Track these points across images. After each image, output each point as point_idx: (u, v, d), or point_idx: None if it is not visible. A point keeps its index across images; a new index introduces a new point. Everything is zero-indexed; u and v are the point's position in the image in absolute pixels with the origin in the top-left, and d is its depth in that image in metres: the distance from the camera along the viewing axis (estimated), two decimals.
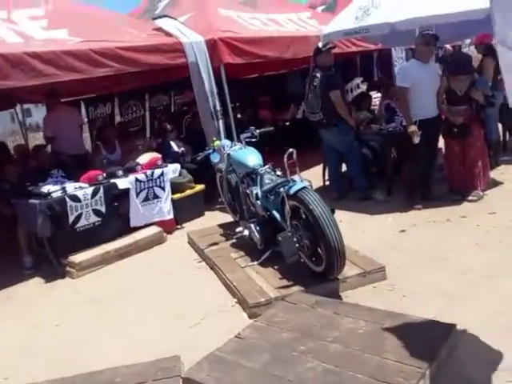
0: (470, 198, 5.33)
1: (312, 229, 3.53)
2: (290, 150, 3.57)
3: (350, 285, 3.72)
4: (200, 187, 6.38)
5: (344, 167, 6.35)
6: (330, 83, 5.69)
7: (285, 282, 3.72)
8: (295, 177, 3.63)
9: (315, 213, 3.38)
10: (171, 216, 5.87)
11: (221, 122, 6.19)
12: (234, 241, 4.82)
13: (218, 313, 3.67)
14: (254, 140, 4.75)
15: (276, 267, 4.03)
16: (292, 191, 3.55)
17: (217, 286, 4.13)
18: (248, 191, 4.34)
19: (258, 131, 4.70)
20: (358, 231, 4.91)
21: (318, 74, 5.71)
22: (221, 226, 5.44)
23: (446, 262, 4.00)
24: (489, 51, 6.07)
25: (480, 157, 5.32)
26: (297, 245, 3.64)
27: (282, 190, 3.77)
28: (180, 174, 6.02)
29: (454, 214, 5.06)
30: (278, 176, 4.23)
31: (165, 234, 5.61)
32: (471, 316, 3.13)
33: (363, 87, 9.96)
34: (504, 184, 5.78)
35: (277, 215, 3.92)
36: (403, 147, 5.69)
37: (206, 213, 6.46)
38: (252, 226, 4.20)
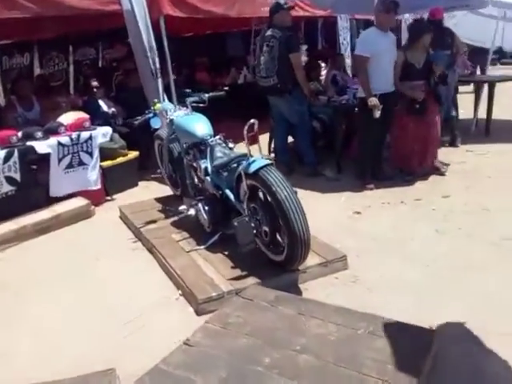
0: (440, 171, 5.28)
1: (273, 214, 3.07)
2: (252, 120, 3.04)
3: (310, 275, 3.32)
4: (134, 154, 5.68)
5: (290, 139, 5.93)
6: (290, 44, 5.15)
7: (238, 272, 3.25)
8: (255, 152, 3.12)
9: (279, 196, 2.90)
10: (99, 186, 5.16)
11: (160, 81, 5.47)
12: (176, 219, 4.25)
13: (159, 308, 3.12)
14: (201, 105, 4.14)
15: (226, 253, 3.54)
16: (252, 169, 3.04)
17: (156, 274, 3.57)
18: (195, 164, 3.77)
19: (207, 95, 4.10)
20: (311, 212, 4.47)
21: (276, 34, 5.14)
22: (158, 200, 4.84)
23: (407, 250, 3.72)
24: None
25: (438, 135, 5.10)
26: (254, 231, 3.16)
27: (238, 166, 3.26)
28: (111, 139, 5.28)
29: (408, 196, 4.82)
30: (231, 149, 3.70)
31: (92, 207, 4.90)
32: (443, 315, 2.83)
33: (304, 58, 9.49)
34: (451, 165, 5.62)
35: (230, 195, 3.40)
36: (356, 122, 5.34)
37: (140, 183, 5.82)
38: (199, 204, 3.66)
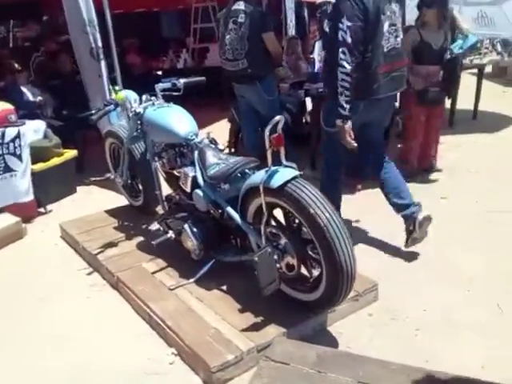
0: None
1: (305, 242, 2.29)
2: (277, 117, 2.21)
3: (338, 314, 2.59)
4: (71, 154, 4.61)
5: None
6: (263, 21, 4.31)
7: (249, 318, 2.44)
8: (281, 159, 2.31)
9: (319, 220, 2.12)
10: (31, 197, 4.06)
11: (103, 64, 4.43)
12: (142, 240, 3.33)
13: (148, 381, 2.23)
14: (174, 94, 3.22)
15: (224, 288, 2.72)
16: (276, 183, 2.23)
17: (132, 323, 2.66)
18: (176, 172, 2.88)
19: (182, 81, 3.18)
20: None
21: (247, 9, 4.28)
22: (110, 212, 3.88)
23: (440, 270, 3.07)
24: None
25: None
26: (277, 265, 2.35)
27: (243, 177, 2.45)
28: (45, 136, 4.18)
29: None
30: (221, 151, 2.86)
31: (23, 225, 3.81)
32: None
33: None
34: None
35: (235, 215, 2.55)
36: None
37: (79, 189, 4.76)
38: (186, 225, 2.77)
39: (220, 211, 2.62)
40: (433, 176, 4.71)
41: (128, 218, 3.72)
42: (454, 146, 5.51)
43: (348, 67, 2.78)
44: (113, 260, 3.12)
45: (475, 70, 7.08)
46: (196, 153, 2.79)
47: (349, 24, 2.76)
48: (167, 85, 3.18)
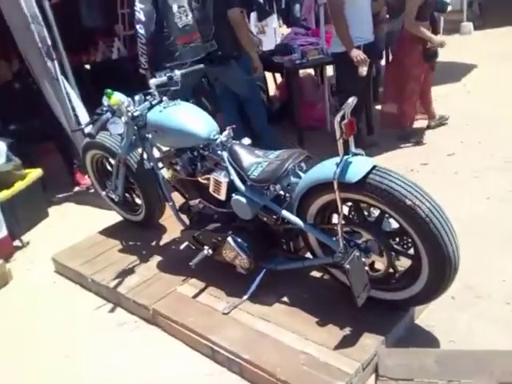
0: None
1: (390, 237, 2.01)
2: (350, 100, 1.88)
3: (421, 306, 2.33)
4: (35, 173, 3.99)
5: None
6: None
7: (335, 332, 2.13)
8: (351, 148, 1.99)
9: (420, 211, 1.84)
10: (4, 232, 3.46)
11: (56, 65, 3.83)
12: (160, 260, 2.92)
13: None
14: (172, 89, 2.77)
15: (285, 300, 2.39)
16: (355, 176, 1.91)
17: (193, 362, 2.27)
18: (202, 180, 2.47)
19: (179, 72, 2.73)
20: None
21: None
22: (106, 233, 3.39)
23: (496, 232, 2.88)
24: None
25: None
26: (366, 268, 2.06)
27: (293, 173, 2.11)
28: (9, 159, 3.56)
29: (413, 162, 4.04)
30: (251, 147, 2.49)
31: (7, 268, 3.24)
32: None
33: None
34: None
35: (295, 220, 2.21)
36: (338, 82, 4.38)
37: (50, 210, 4.17)
38: (230, 238, 2.39)
39: (274, 217, 2.26)
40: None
41: (131, 236, 3.26)
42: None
43: (143, 40, 3.68)
44: (138, 290, 2.68)
45: None
46: (226, 154, 2.40)
47: (142, 6, 3.64)
48: (162, 79, 2.72)
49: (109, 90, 2.56)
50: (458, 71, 6.51)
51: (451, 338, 2.16)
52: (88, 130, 2.51)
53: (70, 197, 4.44)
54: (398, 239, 2.06)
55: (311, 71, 5.84)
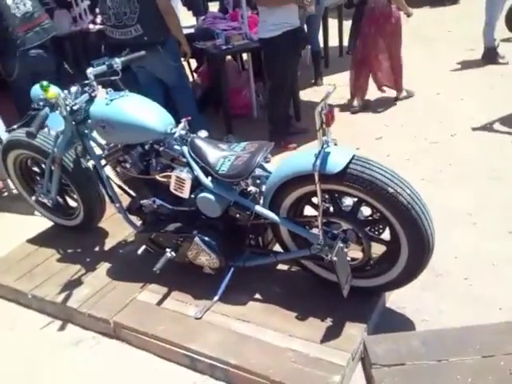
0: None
1: (365, 224, 2.03)
2: (329, 89, 1.83)
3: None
4: None
5: None
6: None
7: (317, 324, 2.11)
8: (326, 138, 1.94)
9: (402, 199, 1.86)
10: None
11: None
12: (109, 267, 2.70)
13: None
14: (112, 78, 2.54)
15: (258, 297, 2.33)
16: (337, 167, 1.87)
17: (171, 376, 2.12)
18: (160, 177, 2.29)
19: (119, 60, 2.50)
20: None
21: None
22: (37, 241, 3.08)
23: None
24: None
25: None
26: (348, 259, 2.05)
27: (293, 166, 2.02)
28: None
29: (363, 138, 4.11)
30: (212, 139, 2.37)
31: None
32: None
33: None
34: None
35: (269, 215, 2.13)
36: (266, 68, 4.31)
37: None
38: (197, 238, 2.26)
39: (248, 212, 2.16)
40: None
41: (68, 243, 2.97)
42: None
43: None
44: (91, 302, 2.45)
45: None
46: (186, 148, 2.25)
47: None
48: (101, 68, 2.48)
49: (44, 83, 2.27)
50: None
51: (423, 318, 2.24)
52: (25, 129, 2.20)
53: None
54: (372, 227, 2.08)
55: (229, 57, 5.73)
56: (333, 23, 6.72)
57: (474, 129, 4.12)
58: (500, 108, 4.37)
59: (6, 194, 3.95)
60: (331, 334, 2.04)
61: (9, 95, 4.13)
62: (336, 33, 6.79)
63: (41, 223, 3.25)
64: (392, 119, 4.56)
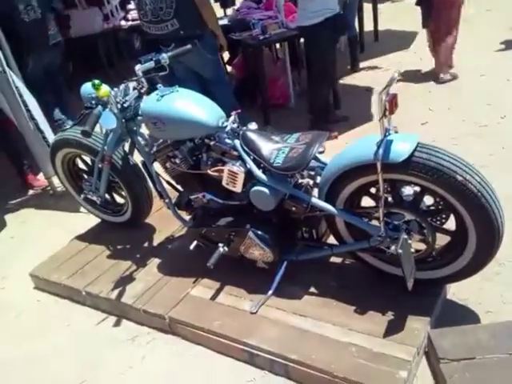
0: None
1: (430, 214, 1.96)
2: (394, 75, 1.75)
3: None
4: None
5: None
6: None
7: (378, 318, 2.06)
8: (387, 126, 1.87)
9: (472, 186, 1.77)
10: None
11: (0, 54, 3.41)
12: (160, 262, 2.70)
13: None
14: (161, 74, 2.53)
15: (313, 291, 2.28)
16: (400, 156, 1.80)
17: (231, 370, 2.11)
18: (212, 172, 2.26)
19: (167, 55, 2.49)
20: None
21: None
22: (86, 238, 3.12)
23: None
24: None
25: None
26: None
27: (352, 155, 1.95)
28: None
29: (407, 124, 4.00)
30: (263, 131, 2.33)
31: None
32: None
33: None
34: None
35: (327, 207, 2.08)
36: (308, 57, 4.21)
37: (8, 218, 3.78)
38: (251, 233, 2.23)
39: (304, 205, 2.11)
40: None
41: (116, 239, 2.99)
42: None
43: None
44: (146, 298, 2.45)
45: None
46: (238, 142, 2.21)
47: None
48: (150, 64, 2.47)
49: (96, 81, 2.26)
50: (403, 39, 6.59)
51: (487, 309, 2.16)
52: (82, 127, 2.19)
53: (26, 201, 4.04)
54: (435, 217, 2.00)
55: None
56: (367, 7, 6.57)
57: None
58: None
59: (51, 192, 4.01)
60: (393, 328, 1.98)
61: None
62: (371, 17, 6.62)
63: (87, 220, 3.29)
64: (437, 103, 4.42)
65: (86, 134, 2.15)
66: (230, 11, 5.92)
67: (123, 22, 7.23)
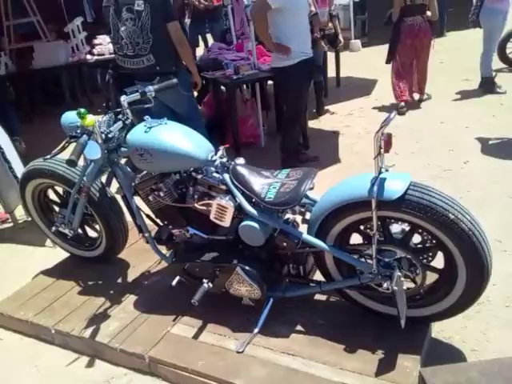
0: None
1: (419, 252, 1.99)
2: (392, 115, 1.80)
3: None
4: None
5: None
6: (167, 8, 3.68)
7: (367, 357, 2.03)
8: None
9: (463, 225, 1.82)
10: None
11: None
12: (135, 299, 2.59)
13: None
14: (146, 106, 2.51)
15: (299, 329, 2.24)
16: (394, 194, 1.84)
17: None
18: (199, 206, 2.22)
19: (153, 88, 2.48)
20: None
21: None
22: (54, 273, 2.95)
23: None
24: None
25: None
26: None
27: (347, 192, 1.96)
28: None
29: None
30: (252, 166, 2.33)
31: None
32: None
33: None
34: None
35: (318, 243, 2.07)
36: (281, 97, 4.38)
37: None
38: (238, 268, 2.18)
39: (296, 241, 2.10)
40: None
41: (87, 275, 2.86)
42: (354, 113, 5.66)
43: None
44: (122, 337, 2.33)
45: None
46: (227, 176, 2.19)
47: None
48: (135, 96, 2.45)
49: (82, 110, 2.20)
50: (364, 86, 6.88)
51: (472, 347, 2.18)
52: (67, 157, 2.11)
53: None
54: (424, 254, 2.03)
55: None
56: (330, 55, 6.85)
57: (485, 155, 4.16)
58: (506, 135, 4.44)
59: (11, 224, 3.81)
60: (385, 367, 1.97)
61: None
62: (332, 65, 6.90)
63: (53, 255, 3.13)
64: (401, 147, 4.57)
65: (72, 163, 2.07)
66: (200, 51, 6.01)
67: (89, 56, 7.18)
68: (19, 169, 3.46)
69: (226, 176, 2.20)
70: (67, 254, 3.06)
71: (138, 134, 2.26)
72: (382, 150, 1.82)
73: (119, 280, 2.79)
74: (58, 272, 2.94)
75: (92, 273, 2.86)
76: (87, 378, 2.26)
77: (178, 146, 2.18)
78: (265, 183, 2.13)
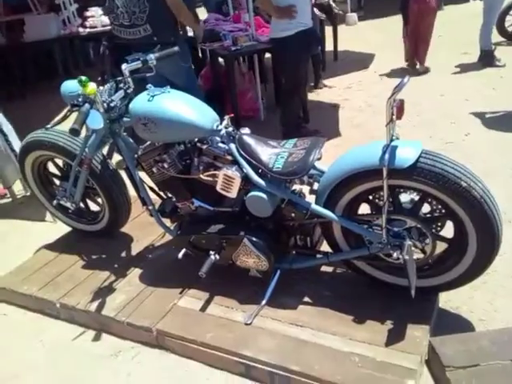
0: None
1: (430, 221, 1.97)
2: (405, 80, 1.76)
3: None
4: None
5: None
6: None
7: (377, 327, 2.03)
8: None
9: (475, 193, 1.81)
10: None
11: None
12: (141, 273, 2.56)
13: None
14: (148, 75, 2.44)
15: (307, 300, 2.23)
16: (406, 162, 1.81)
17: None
18: (204, 176, 2.18)
19: (154, 56, 2.41)
20: None
21: None
22: (57, 247, 2.92)
23: None
24: None
25: None
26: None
27: (358, 161, 1.92)
28: None
29: None
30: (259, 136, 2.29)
31: None
32: None
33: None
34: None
35: (327, 213, 2.04)
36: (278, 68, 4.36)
37: None
38: (246, 240, 2.16)
39: (304, 211, 2.07)
40: None
41: (91, 249, 2.83)
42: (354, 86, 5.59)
43: None
44: (129, 310, 2.31)
45: None
46: (234, 146, 2.15)
47: None
48: (136, 64, 2.38)
49: (83, 78, 2.14)
50: (361, 60, 6.79)
51: (480, 317, 2.19)
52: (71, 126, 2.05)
53: None
54: (434, 224, 2.01)
55: None
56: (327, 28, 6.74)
57: (486, 127, 4.14)
58: (506, 108, 4.41)
59: (10, 199, 3.76)
60: (394, 337, 1.96)
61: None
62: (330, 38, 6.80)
63: (54, 229, 3.10)
64: (402, 120, 4.51)
65: (75, 132, 2.01)
66: None
67: (81, 29, 7.01)
68: (16, 143, 3.39)
69: (232, 146, 2.15)
70: (68, 229, 3.03)
71: (142, 103, 2.20)
72: (394, 117, 1.78)
73: (123, 254, 2.76)
74: (60, 246, 2.90)
75: (95, 247, 2.83)
76: (94, 352, 2.24)
77: (183, 114, 2.13)
78: (272, 153, 2.10)
